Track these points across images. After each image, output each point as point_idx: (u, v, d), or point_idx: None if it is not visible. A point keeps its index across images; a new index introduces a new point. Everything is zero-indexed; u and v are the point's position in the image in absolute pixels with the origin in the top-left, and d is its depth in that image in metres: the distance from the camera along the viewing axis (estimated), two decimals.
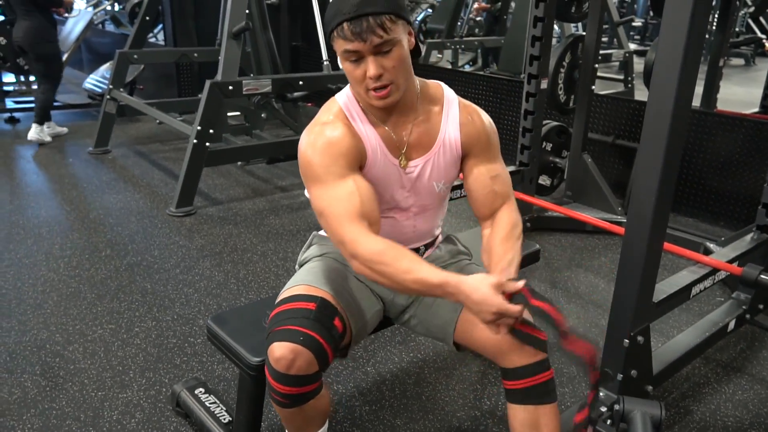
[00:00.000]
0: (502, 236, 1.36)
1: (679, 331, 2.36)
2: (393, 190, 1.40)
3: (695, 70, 1.52)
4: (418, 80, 1.39)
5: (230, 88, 3.41)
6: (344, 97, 1.37)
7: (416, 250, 1.51)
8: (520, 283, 1.19)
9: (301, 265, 1.55)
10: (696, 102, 4.17)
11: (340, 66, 1.30)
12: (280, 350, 1.24)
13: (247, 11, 3.80)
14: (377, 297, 1.50)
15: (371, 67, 1.22)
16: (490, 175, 1.42)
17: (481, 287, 1.16)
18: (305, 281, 1.40)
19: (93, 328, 2.31)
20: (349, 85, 1.36)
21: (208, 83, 3.36)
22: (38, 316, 2.38)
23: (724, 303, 2.42)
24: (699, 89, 4.03)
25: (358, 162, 1.32)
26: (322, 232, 1.57)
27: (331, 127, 1.31)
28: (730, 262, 2.14)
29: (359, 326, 1.42)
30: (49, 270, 2.75)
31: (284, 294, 1.40)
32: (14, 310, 2.41)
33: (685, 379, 2.10)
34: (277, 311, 1.34)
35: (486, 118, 1.45)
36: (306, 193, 1.47)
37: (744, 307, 2.35)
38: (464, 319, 1.42)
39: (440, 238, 1.62)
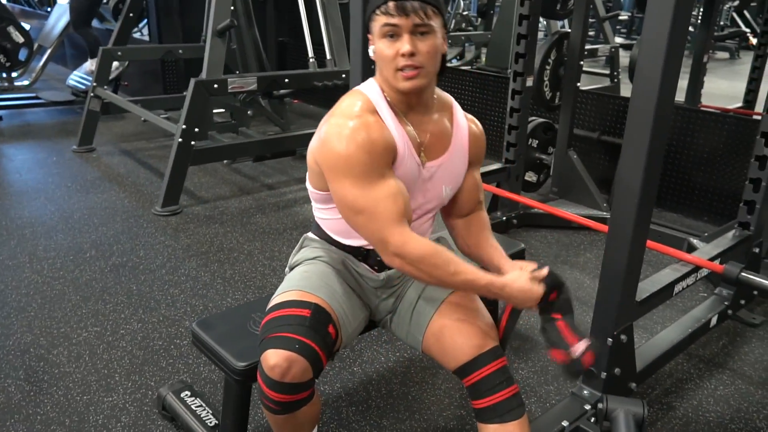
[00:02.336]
0: (490, 236, 1.50)
1: (662, 327, 2.39)
2: (412, 189, 1.38)
3: (678, 65, 1.52)
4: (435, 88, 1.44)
5: (215, 86, 3.38)
6: (371, 89, 1.36)
7: None
8: (545, 269, 1.34)
9: (291, 268, 1.53)
10: (681, 97, 4.21)
11: (371, 53, 1.33)
12: (274, 358, 1.23)
13: (232, 8, 3.78)
14: (365, 303, 1.51)
15: (407, 42, 1.26)
16: (477, 184, 1.52)
17: (522, 282, 1.31)
18: (299, 286, 1.39)
19: (78, 331, 2.30)
20: (373, 78, 1.38)
21: (192, 81, 3.34)
22: (22, 319, 2.36)
23: (707, 299, 2.45)
24: (684, 84, 4.08)
25: (391, 159, 1.31)
26: (311, 234, 1.56)
27: (364, 121, 1.28)
28: (712, 259, 2.17)
29: (349, 332, 1.42)
30: (32, 272, 2.73)
31: (277, 299, 1.38)
32: None
33: (668, 376, 2.13)
34: (271, 317, 1.32)
35: (481, 127, 1.54)
36: (309, 185, 1.45)
37: (726, 302, 2.38)
38: (431, 332, 1.43)
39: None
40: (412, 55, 1.25)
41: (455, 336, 1.38)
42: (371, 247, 1.44)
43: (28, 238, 3.07)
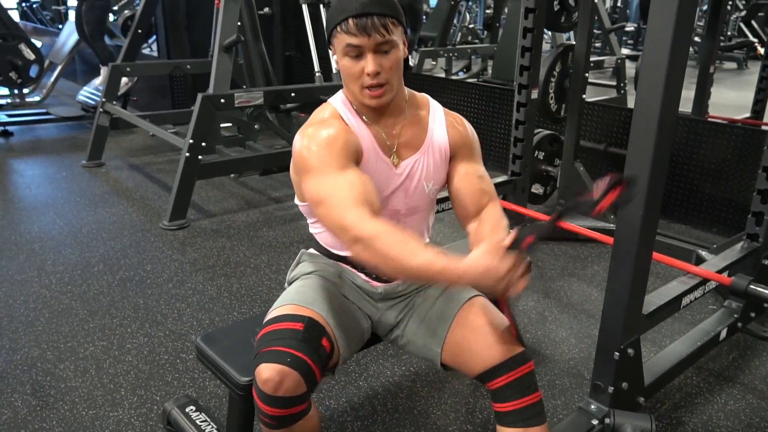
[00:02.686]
0: (491, 226, 1.41)
1: (671, 340, 2.36)
2: (385, 189, 1.42)
3: (681, 75, 1.52)
4: (406, 89, 1.46)
5: (222, 101, 3.41)
6: (337, 100, 1.43)
7: None
8: (512, 233, 1.17)
9: (290, 283, 1.54)
10: (687, 108, 4.20)
11: (335, 68, 1.34)
12: (267, 372, 1.24)
13: (239, 23, 3.82)
14: (365, 315, 1.50)
15: (370, 63, 1.28)
16: (477, 174, 1.48)
17: (479, 258, 1.14)
18: (293, 300, 1.40)
19: (85, 346, 2.30)
20: (341, 90, 1.43)
21: (199, 96, 3.37)
22: (30, 333, 2.38)
23: (716, 311, 2.43)
24: (691, 94, 4.07)
25: (356, 157, 1.34)
26: (311, 250, 1.58)
27: (328, 124, 1.35)
28: (720, 271, 2.14)
29: (347, 345, 1.42)
30: (41, 286, 2.75)
31: (272, 314, 1.39)
32: (5, 328, 2.41)
33: (677, 390, 2.10)
34: (265, 332, 1.33)
35: (469, 125, 1.53)
36: (297, 200, 1.49)
37: (735, 315, 2.35)
38: (452, 341, 1.42)
39: None
40: (377, 74, 1.29)
41: (480, 341, 1.37)
42: None
43: (37, 252, 3.10)
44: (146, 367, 2.18)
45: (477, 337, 1.38)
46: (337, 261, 1.51)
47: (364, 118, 1.41)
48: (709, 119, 4.05)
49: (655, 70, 1.48)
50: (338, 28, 1.28)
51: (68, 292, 2.70)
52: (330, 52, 1.40)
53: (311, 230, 1.55)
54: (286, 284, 1.56)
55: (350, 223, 1.20)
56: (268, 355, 1.26)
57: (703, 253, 2.91)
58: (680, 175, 3.57)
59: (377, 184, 1.38)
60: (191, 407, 1.85)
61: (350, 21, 1.26)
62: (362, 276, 1.49)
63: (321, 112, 1.41)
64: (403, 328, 1.51)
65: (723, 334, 2.27)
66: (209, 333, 1.66)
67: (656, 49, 1.47)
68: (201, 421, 1.80)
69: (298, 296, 1.41)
